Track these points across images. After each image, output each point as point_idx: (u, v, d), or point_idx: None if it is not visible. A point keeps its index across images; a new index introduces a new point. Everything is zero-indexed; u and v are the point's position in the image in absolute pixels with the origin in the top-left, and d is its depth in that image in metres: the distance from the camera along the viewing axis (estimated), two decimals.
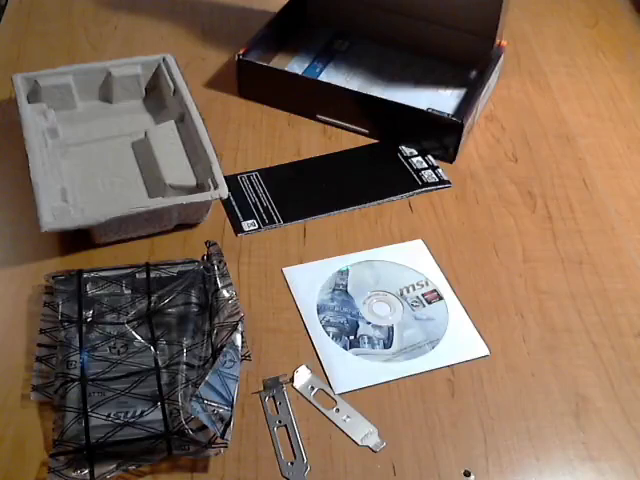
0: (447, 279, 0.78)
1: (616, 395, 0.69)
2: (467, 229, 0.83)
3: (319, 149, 0.92)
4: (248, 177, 0.88)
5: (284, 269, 0.78)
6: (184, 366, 0.66)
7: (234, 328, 0.68)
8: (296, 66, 1.02)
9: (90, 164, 0.86)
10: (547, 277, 0.79)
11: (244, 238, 0.81)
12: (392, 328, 0.73)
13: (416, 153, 0.92)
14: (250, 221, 0.83)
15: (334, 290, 0.76)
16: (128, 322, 0.69)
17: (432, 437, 0.65)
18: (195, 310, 0.70)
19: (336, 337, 0.72)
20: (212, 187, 0.78)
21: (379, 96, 0.91)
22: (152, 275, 0.73)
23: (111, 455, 0.60)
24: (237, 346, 0.67)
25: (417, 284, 0.77)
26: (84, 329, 0.68)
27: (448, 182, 0.89)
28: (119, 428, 0.61)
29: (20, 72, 0.89)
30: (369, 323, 0.74)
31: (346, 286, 0.77)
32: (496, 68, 0.97)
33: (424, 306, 0.75)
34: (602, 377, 0.70)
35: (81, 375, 0.65)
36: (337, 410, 0.66)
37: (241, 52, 0.95)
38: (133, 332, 0.69)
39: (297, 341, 0.72)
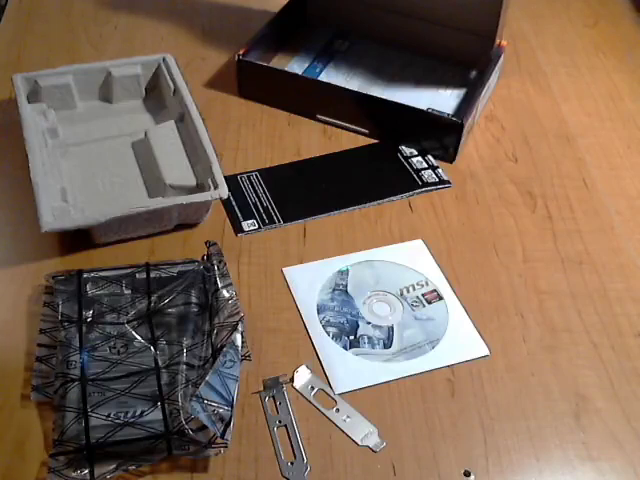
0: (447, 279, 0.78)
1: (616, 395, 0.69)
2: (467, 229, 0.83)
3: (319, 149, 0.92)
4: (248, 177, 0.88)
5: (284, 269, 0.78)
6: (184, 366, 0.66)
7: (234, 328, 0.68)
8: (296, 66, 1.02)
9: (90, 164, 0.86)
10: (547, 277, 0.79)
11: (244, 238, 0.81)
12: (392, 328, 0.73)
13: (416, 153, 0.92)
14: (250, 221, 0.83)
15: (334, 290, 0.76)
16: (128, 322, 0.69)
17: (432, 437, 0.65)
18: (195, 310, 0.70)
19: (336, 337, 0.72)
20: (212, 187, 0.78)
21: (379, 96, 0.91)
22: (152, 275, 0.73)
23: (111, 455, 0.60)
24: (237, 346, 0.67)
25: (417, 284, 0.77)
26: (84, 329, 0.68)
27: (448, 182, 0.89)
28: (119, 428, 0.61)
29: (20, 72, 0.89)
30: (369, 323, 0.74)
31: (346, 286, 0.77)
32: (496, 68, 0.97)
33: (424, 306, 0.75)
34: (602, 377, 0.70)
35: (81, 375, 0.65)
36: (337, 410, 0.66)
37: (241, 52, 0.95)
38: (133, 332, 0.69)
39: (297, 341, 0.72)
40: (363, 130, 0.94)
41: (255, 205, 0.85)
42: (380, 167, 0.91)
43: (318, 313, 0.74)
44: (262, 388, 0.67)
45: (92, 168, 0.85)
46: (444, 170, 0.90)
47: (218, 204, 0.83)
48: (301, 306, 0.75)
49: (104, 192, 0.83)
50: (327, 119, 0.95)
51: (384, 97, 0.91)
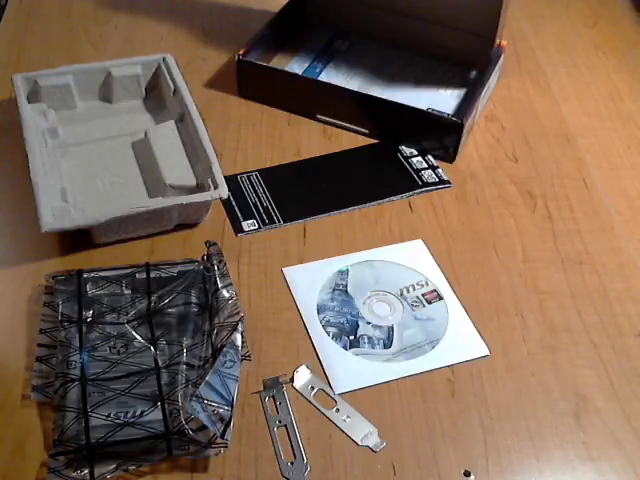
0: (447, 279, 0.78)
1: (616, 395, 0.69)
2: (467, 229, 0.83)
3: (319, 149, 0.92)
4: (248, 177, 0.88)
5: (284, 269, 0.78)
6: (184, 366, 0.66)
7: (234, 328, 0.68)
8: (296, 66, 1.02)
9: (90, 164, 0.86)
10: (547, 277, 0.79)
11: (244, 238, 0.81)
12: (392, 328, 0.73)
13: (416, 153, 0.92)
14: (250, 221, 0.83)
15: (334, 290, 0.76)
16: (128, 322, 0.69)
17: (432, 437, 0.65)
18: (195, 310, 0.70)
19: (336, 337, 0.72)
20: (212, 187, 0.78)
21: (379, 96, 0.91)
22: (152, 275, 0.73)
23: (111, 455, 0.60)
24: (237, 346, 0.67)
25: (417, 284, 0.77)
26: (84, 329, 0.68)
27: (448, 182, 0.89)
28: (119, 428, 0.61)
29: (20, 72, 0.89)
30: (369, 323, 0.74)
31: (346, 286, 0.77)
32: (496, 68, 0.97)
33: (424, 306, 0.75)
34: (602, 377, 0.70)
35: (81, 375, 0.65)
36: (337, 410, 0.66)
37: (241, 52, 0.95)
38: (133, 332, 0.69)
39: (297, 341, 0.72)
40: (363, 130, 0.94)
41: (255, 205, 0.85)
42: (380, 167, 0.91)
43: (318, 313, 0.74)
44: (262, 388, 0.67)
45: (92, 168, 0.85)
46: (444, 170, 0.90)
47: (218, 204, 0.83)
48: (301, 306, 0.75)
49: (104, 192, 0.83)
50: (327, 119, 0.95)
51: (384, 97, 0.91)
